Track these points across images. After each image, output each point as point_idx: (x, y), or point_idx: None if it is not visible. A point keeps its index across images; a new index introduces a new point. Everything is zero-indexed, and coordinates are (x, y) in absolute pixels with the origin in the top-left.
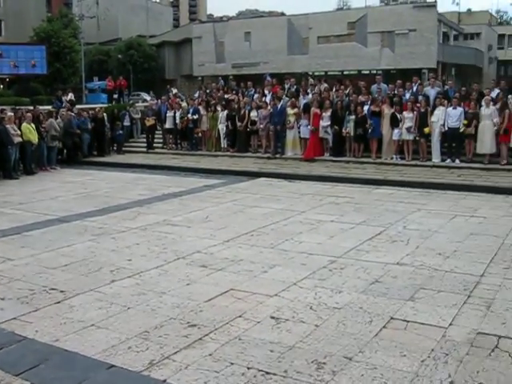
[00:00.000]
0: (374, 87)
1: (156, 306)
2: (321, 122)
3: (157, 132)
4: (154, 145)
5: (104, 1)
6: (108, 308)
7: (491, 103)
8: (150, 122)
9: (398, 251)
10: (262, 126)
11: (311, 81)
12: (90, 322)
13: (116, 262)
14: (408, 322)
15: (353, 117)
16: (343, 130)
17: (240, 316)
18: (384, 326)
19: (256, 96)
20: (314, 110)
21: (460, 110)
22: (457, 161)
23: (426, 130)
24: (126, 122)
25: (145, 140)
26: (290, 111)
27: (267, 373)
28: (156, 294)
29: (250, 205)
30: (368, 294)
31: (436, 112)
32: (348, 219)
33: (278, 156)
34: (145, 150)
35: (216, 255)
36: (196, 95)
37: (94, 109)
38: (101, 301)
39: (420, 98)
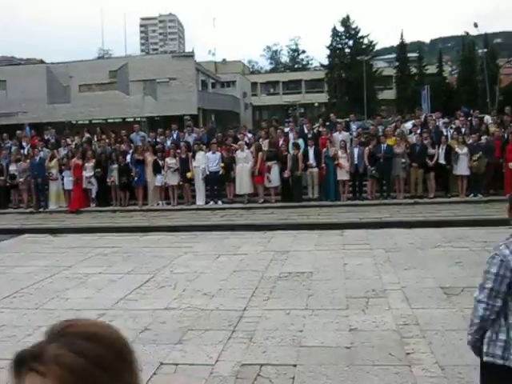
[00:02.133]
0: (133, 135)
1: None
2: (84, 172)
3: None
4: None
5: None
6: None
7: (245, 147)
8: None
9: (165, 296)
10: (21, 179)
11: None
12: None
13: None
14: (177, 365)
15: (116, 166)
16: (107, 180)
17: None
18: (154, 373)
19: (14, 148)
20: (75, 161)
21: (218, 154)
22: (219, 202)
23: (189, 174)
24: None
25: None
26: (51, 163)
27: None
28: None
29: (12, 265)
30: (137, 342)
31: (197, 157)
32: (116, 269)
33: (41, 210)
34: None
35: None
36: None
37: None
38: None
39: (182, 144)
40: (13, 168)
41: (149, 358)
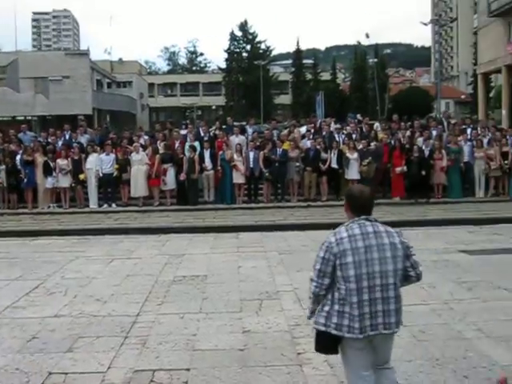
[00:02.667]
0: (21, 135)
1: None
2: None
3: None
4: None
5: None
6: None
7: (141, 149)
8: None
9: (55, 303)
10: None
11: None
12: None
13: None
14: (67, 373)
15: (3, 167)
16: None
17: None
18: (42, 383)
19: None
20: None
21: (112, 156)
22: (113, 205)
23: (82, 176)
24: None
25: None
26: None
27: None
28: None
29: None
30: (24, 352)
31: (90, 159)
32: (3, 276)
33: None
34: None
35: None
36: None
37: None
38: None
39: (74, 145)
40: None
41: (37, 368)
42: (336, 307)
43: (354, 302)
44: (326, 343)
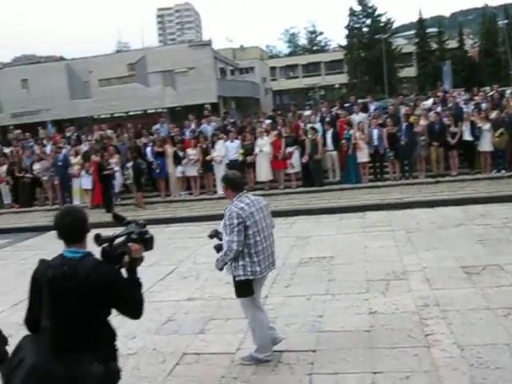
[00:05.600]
0: (157, 127)
1: None
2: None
3: None
4: None
5: None
6: None
7: (265, 134)
8: None
9: (188, 287)
10: (45, 177)
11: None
12: None
13: None
14: (199, 354)
15: (130, 164)
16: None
17: None
18: (177, 363)
19: (36, 147)
20: (93, 158)
21: (237, 142)
22: None
23: (209, 157)
24: None
25: None
26: (73, 160)
27: None
28: None
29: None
30: (161, 333)
31: (216, 146)
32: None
33: None
34: None
35: (4, 321)
36: None
37: None
38: None
39: (202, 134)
40: (36, 167)
41: (172, 349)
42: (247, 259)
43: (258, 251)
44: (246, 289)
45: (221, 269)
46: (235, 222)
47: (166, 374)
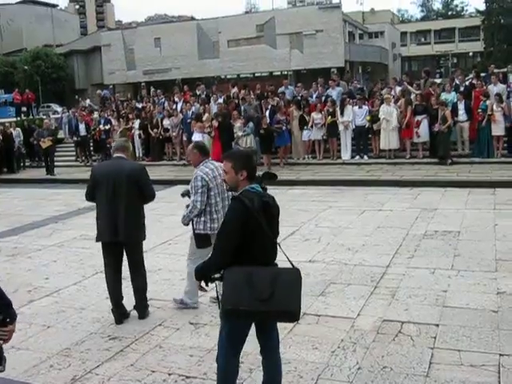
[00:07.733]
0: (282, 89)
1: (76, 322)
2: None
3: (66, 146)
4: (58, 164)
5: (6, 11)
6: (27, 329)
7: (392, 101)
8: (45, 143)
9: (310, 249)
10: (174, 133)
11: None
12: (9, 344)
13: (33, 282)
14: (319, 316)
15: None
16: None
17: (160, 324)
18: (297, 323)
19: (167, 104)
20: (213, 123)
21: (365, 108)
22: (365, 157)
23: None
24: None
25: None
26: (202, 118)
27: (187, 377)
28: (76, 310)
29: (167, 213)
30: None
31: (344, 111)
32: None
33: None
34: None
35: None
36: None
37: (2, 123)
38: (19, 322)
39: (329, 98)
40: (166, 122)
41: None
42: (208, 216)
43: (218, 210)
44: (205, 241)
45: (186, 224)
46: (199, 184)
47: (287, 332)
